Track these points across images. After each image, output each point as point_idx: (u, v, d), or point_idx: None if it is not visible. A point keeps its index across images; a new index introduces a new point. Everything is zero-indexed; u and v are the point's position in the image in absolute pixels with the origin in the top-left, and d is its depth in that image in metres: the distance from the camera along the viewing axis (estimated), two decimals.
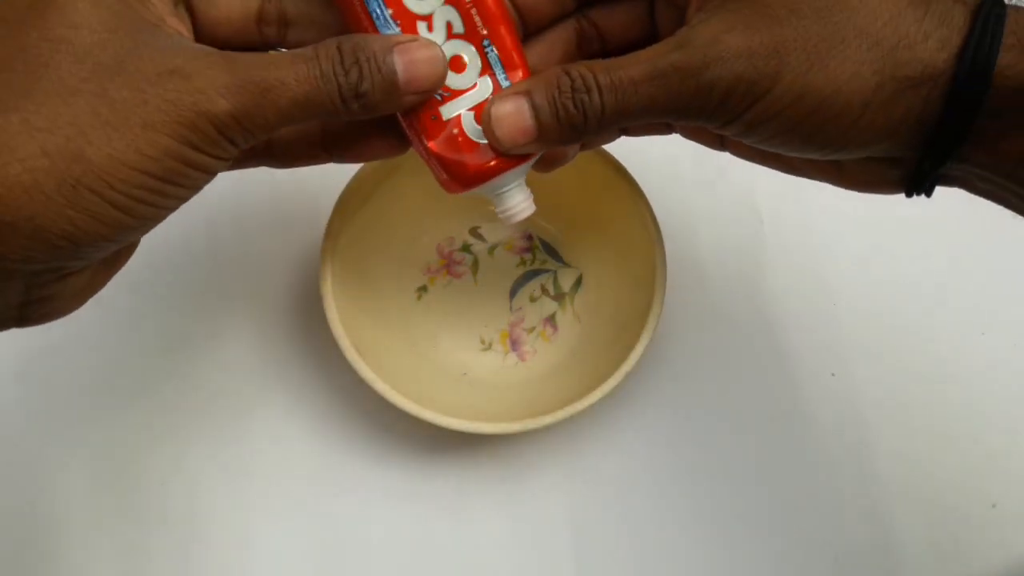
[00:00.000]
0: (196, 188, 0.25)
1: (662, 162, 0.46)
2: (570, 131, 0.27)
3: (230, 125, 0.24)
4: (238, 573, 0.40)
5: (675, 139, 0.47)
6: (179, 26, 0.26)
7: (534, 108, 0.27)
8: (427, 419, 0.37)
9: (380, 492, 0.41)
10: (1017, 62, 0.24)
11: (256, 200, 0.46)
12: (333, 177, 0.40)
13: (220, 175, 0.46)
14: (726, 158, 0.47)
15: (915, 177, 0.27)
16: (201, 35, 0.28)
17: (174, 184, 0.24)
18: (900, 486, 0.41)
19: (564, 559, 0.40)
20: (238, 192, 0.45)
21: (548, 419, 0.37)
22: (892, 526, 0.41)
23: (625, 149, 0.40)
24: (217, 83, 0.24)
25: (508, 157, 0.28)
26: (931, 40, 0.25)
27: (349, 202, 0.39)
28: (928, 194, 0.28)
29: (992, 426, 0.42)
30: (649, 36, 0.30)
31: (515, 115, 0.27)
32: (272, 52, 0.25)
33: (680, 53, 0.25)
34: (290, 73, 0.24)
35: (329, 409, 0.42)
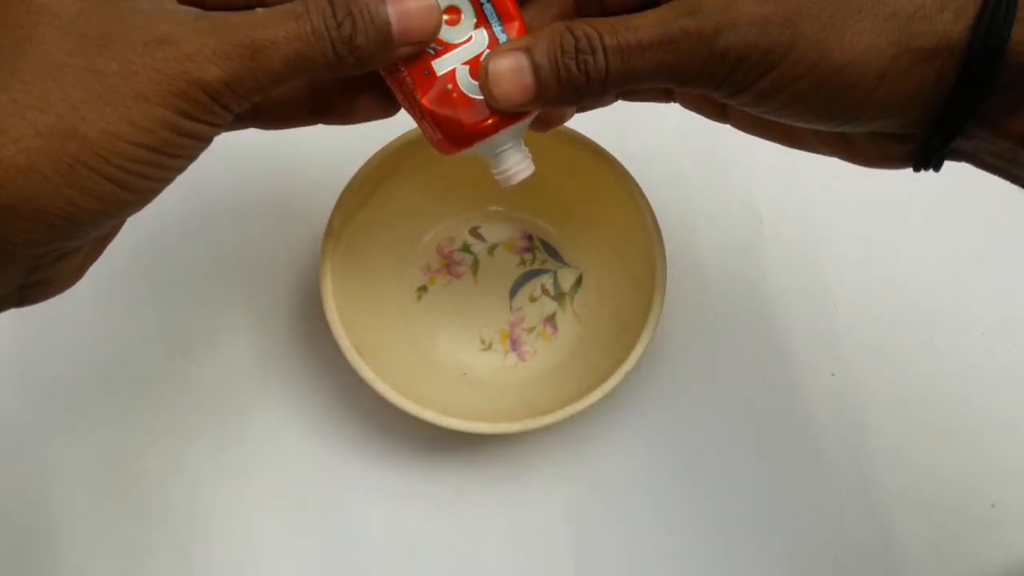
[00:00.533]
0: (192, 157, 0.25)
1: (662, 162, 0.46)
2: (570, 92, 0.26)
3: (222, 91, 0.24)
4: (238, 573, 0.40)
5: (675, 139, 0.47)
6: None
7: (534, 66, 0.26)
8: (427, 419, 0.37)
9: (380, 492, 0.41)
10: None
11: (256, 200, 0.46)
12: (333, 176, 0.40)
13: (220, 177, 0.47)
14: (726, 158, 0.47)
15: (924, 152, 0.27)
16: None
17: (170, 155, 0.24)
18: (900, 486, 0.41)
19: (564, 559, 0.40)
20: (238, 192, 0.45)
21: (548, 419, 0.37)
22: (892, 526, 0.41)
23: (625, 148, 0.40)
24: (205, 49, 0.23)
25: (505, 114, 0.27)
26: (947, 11, 0.24)
27: (349, 202, 0.39)
28: (936, 169, 0.28)
29: (992, 426, 0.42)
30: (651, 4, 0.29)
31: (514, 72, 0.26)
32: (259, 10, 0.25)
33: (691, 18, 0.25)
34: (280, 31, 0.24)
35: (329, 409, 0.42)
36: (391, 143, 0.40)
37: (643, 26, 0.25)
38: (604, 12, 0.29)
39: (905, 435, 0.42)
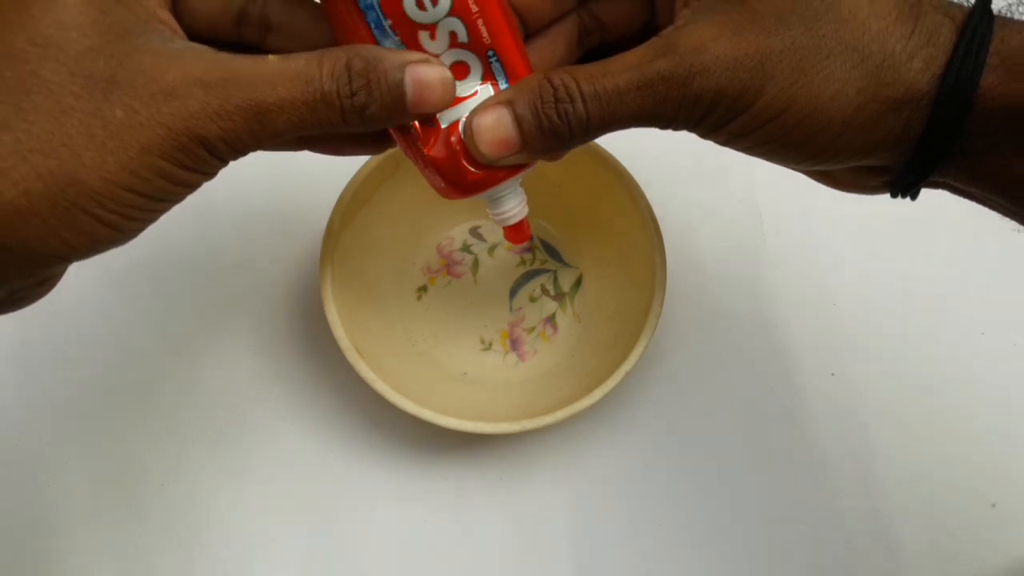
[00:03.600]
0: (180, 201, 0.25)
1: (662, 162, 0.46)
2: (554, 141, 0.26)
3: (220, 147, 0.24)
4: (238, 573, 0.40)
5: (675, 138, 0.47)
6: (169, 19, 0.25)
7: (516, 118, 0.26)
8: (427, 419, 0.37)
9: (380, 492, 0.41)
10: (1000, 83, 0.24)
11: (256, 202, 0.46)
12: (333, 178, 0.40)
13: (220, 178, 0.46)
14: (726, 157, 0.47)
15: (898, 184, 0.27)
16: (180, 25, 0.27)
17: (163, 201, 0.25)
18: (900, 486, 0.41)
19: (563, 558, 0.40)
20: (238, 194, 0.45)
21: (548, 419, 0.37)
22: (892, 526, 0.41)
23: (625, 149, 0.40)
24: (210, 108, 0.23)
25: (511, 167, 0.28)
26: (916, 59, 0.24)
27: (349, 203, 0.39)
28: (913, 198, 0.28)
29: (992, 426, 0.42)
30: (650, 27, 0.30)
31: (497, 126, 0.26)
32: (271, 58, 0.24)
33: (666, 61, 0.25)
34: (287, 94, 0.24)
35: (329, 409, 0.42)
36: None
37: (619, 71, 0.25)
38: (604, 42, 0.30)
39: (905, 435, 0.42)
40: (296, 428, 0.42)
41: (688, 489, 0.42)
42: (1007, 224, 0.45)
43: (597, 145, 0.40)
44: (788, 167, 0.29)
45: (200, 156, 0.24)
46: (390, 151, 0.39)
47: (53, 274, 0.25)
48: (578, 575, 0.40)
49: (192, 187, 0.25)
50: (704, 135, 0.27)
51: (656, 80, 0.25)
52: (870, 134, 0.25)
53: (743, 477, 0.42)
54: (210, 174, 0.25)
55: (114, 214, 0.23)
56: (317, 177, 0.44)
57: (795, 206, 0.46)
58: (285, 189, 0.46)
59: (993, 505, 0.41)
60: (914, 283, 0.45)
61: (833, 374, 0.43)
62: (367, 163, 0.40)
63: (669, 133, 0.48)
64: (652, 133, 0.45)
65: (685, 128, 0.26)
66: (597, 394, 0.37)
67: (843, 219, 0.46)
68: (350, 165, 0.39)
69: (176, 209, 0.47)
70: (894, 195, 0.28)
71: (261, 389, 0.43)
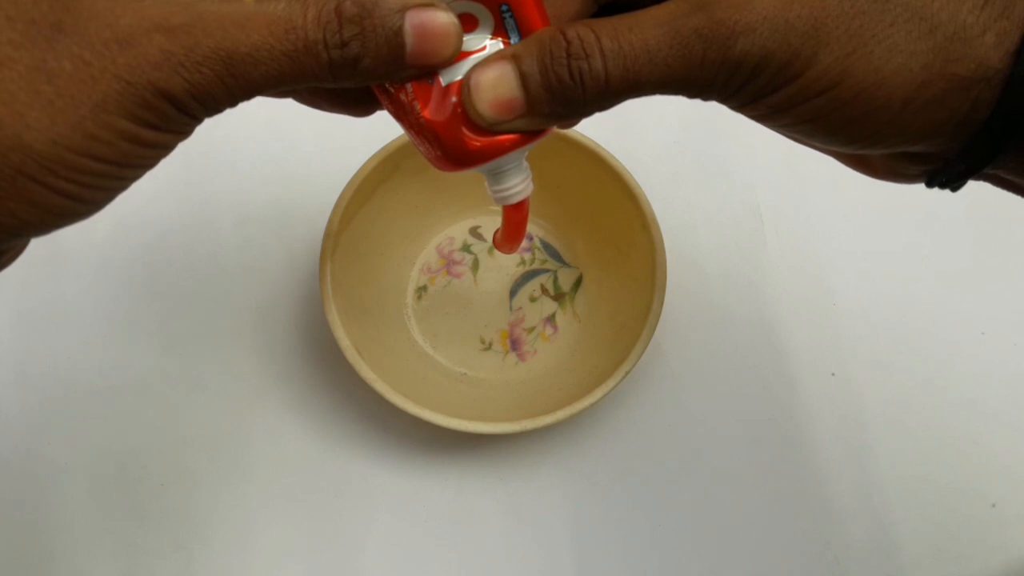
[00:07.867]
0: (152, 165, 0.22)
1: (662, 162, 0.46)
2: (565, 104, 0.23)
3: (189, 103, 0.21)
4: (238, 573, 0.40)
5: (675, 139, 0.47)
6: None
7: (522, 76, 0.23)
8: (427, 419, 0.37)
9: (380, 492, 0.41)
10: None
11: (256, 201, 0.46)
12: (333, 177, 0.40)
13: (220, 178, 0.46)
14: (726, 158, 0.47)
15: (946, 175, 0.25)
16: None
17: (128, 166, 0.21)
18: (900, 486, 0.41)
19: (564, 559, 0.40)
20: (238, 192, 0.45)
21: (548, 419, 0.37)
22: (892, 526, 0.41)
23: (625, 149, 0.40)
24: (174, 58, 0.20)
25: (515, 133, 0.24)
26: (989, 33, 0.21)
27: (349, 202, 0.39)
28: (954, 190, 0.26)
29: (992, 426, 0.42)
30: None
31: (499, 84, 0.23)
32: (246, 0, 0.21)
33: (704, 16, 0.21)
34: (263, 41, 0.21)
35: (329, 409, 0.42)
36: (391, 143, 0.40)
37: (648, 25, 0.22)
38: (622, 1, 0.27)
39: (905, 435, 0.42)
40: (296, 428, 0.42)
41: (688, 489, 0.42)
42: (1007, 225, 0.45)
43: (597, 145, 0.40)
44: (828, 149, 0.26)
45: (167, 113, 0.21)
46: (389, 152, 0.40)
47: (8, 248, 0.23)
48: (578, 575, 0.40)
49: (165, 148, 0.22)
50: (738, 107, 0.23)
51: (692, 38, 0.21)
52: (931, 115, 0.22)
53: (743, 477, 0.42)
54: (183, 133, 0.22)
55: (71, 183, 0.20)
56: (317, 177, 0.44)
57: (795, 206, 0.46)
58: (285, 189, 0.46)
59: (993, 505, 0.41)
60: (914, 283, 0.45)
61: (833, 374, 0.43)
62: (367, 163, 0.40)
63: (669, 130, 0.49)
64: (652, 132, 0.46)
65: (719, 97, 0.23)
66: (597, 394, 0.37)
67: (843, 219, 0.46)
68: (350, 165, 0.39)
69: (176, 209, 0.47)
70: (932, 185, 0.26)
71: (261, 389, 0.43)
